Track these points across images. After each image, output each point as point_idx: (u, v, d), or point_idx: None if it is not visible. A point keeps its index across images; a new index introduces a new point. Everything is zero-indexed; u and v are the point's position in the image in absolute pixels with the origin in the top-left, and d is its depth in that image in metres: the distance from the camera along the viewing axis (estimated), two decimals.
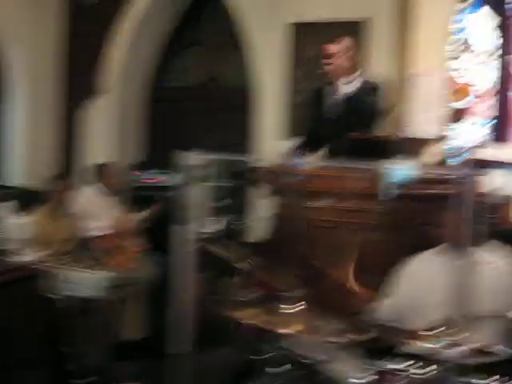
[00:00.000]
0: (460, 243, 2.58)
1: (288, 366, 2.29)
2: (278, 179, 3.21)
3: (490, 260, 2.71)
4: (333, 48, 3.98)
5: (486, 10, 10.26)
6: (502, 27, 10.29)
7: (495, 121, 10.41)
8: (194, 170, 2.68)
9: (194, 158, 2.64)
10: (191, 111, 6.39)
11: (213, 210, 5.07)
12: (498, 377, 1.95)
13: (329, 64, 3.93)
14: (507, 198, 7.45)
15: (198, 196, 2.74)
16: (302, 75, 5.35)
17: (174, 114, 6.46)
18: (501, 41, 10.32)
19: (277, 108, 5.47)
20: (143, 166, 5.99)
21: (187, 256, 2.51)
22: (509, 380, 1.95)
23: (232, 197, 4.91)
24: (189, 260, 2.51)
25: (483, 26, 10.43)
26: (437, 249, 2.73)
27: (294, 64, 5.45)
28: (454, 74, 10.69)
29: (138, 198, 5.45)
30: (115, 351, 3.71)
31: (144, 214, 5.04)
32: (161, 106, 6.59)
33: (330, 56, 3.94)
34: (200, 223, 3.46)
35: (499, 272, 2.64)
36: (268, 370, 2.28)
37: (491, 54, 10.38)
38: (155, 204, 5.08)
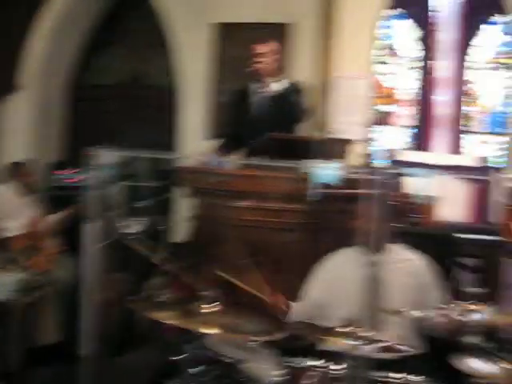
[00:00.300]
0: (376, 242, 2.66)
1: (208, 366, 2.28)
2: (199, 179, 3.19)
3: (406, 258, 2.79)
4: (263, 48, 4.07)
5: (410, 22, 10.68)
6: (425, 40, 10.72)
7: (418, 126, 10.84)
8: (112, 169, 2.62)
9: (112, 156, 2.58)
10: (114, 110, 6.28)
11: (133, 209, 5.00)
12: (406, 373, 2.01)
13: (259, 62, 4.01)
14: (430, 199, 7.75)
15: (116, 195, 2.67)
16: (227, 75, 5.36)
17: (96, 113, 6.32)
18: (423, 52, 10.77)
19: (201, 108, 5.46)
20: (63, 166, 5.82)
21: (98, 256, 2.45)
22: (418, 375, 2.02)
23: (154, 196, 4.85)
24: (100, 260, 2.45)
25: (407, 35, 10.83)
26: (352, 248, 2.77)
27: (219, 64, 5.46)
28: (379, 78, 11.05)
29: (55, 197, 5.29)
30: (29, 356, 3.58)
31: (60, 214, 4.89)
32: (83, 104, 6.44)
33: (259, 55, 4.00)
34: (119, 223, 3.39)
35: (413, 270, 2.72)
36: (188, 369, 2.25)
37: (415, 61, 10.81)
38: (72, 204, 4.94)
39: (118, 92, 6.38)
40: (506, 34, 10.80)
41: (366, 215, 2.46)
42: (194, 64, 5.51)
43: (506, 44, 10.81)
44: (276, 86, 3.99)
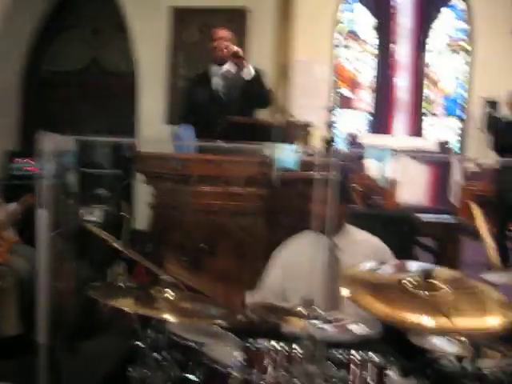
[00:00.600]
0: (333, 225, 2.68)
1: (170, 350, 2.28)
2: (158, 164, 3.16)
3: (363, 239, 2.82)
4: (224, 32, 4.08)
5: (366, 7, 10.74)
6: (385, 24, 10.81)
7: (379, 109, 10.96)
8: (70, 156, 2.58)
9: (69, 143, 2.54)
10: (72, 97, 6.18)
11: (93, 196, 4.94)
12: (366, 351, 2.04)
13: (222, 46, 3.99)
14: (391, 182, 7.85)
15: (74, 183, 2.64)
16: (184, 60, 5.33)
17: (55, 100, 6.21)
18: (384, 36, 10.85)
19: (160, 93, 5.41)
20: (18, 155, 5.69)
21: (53, 244, 2.42)
22: (378, 353, 2.05)
23: (114, 183, 4.81)
24: (56, 248, 2.42)
25: (369, 19, 10.91)
26: (310, 231, 2.78)
27: (177, 49, 5.41)
28: (341, 62, 11.13)
29: (13, 187, 5.18)
30: None
31: (19, 203, 4.78)
32: (41, 91, 6.32)
33: (221, 39, 4.02)
34: (78, 210, 3.35)
35: (372, 251, 2.75)
36: (151, 355, 2.25)
37: (376, 46, 10.90)
38: (28, 194, 4.84)
39: (75, 78, 6.28)
40: (460, 19, 10.99)
41: (322, 198, 2.48)
42: (151, 49, 5.46)
43: (461, 29, 11.00)
44: (239, 71, 3.98)
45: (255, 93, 3.93)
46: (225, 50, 3.97)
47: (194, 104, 4.08)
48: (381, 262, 2.65)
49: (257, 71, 4.00)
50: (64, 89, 6.24)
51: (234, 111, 3.62)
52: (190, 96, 4.19)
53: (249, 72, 3.93)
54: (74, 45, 6.39)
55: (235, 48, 3.97)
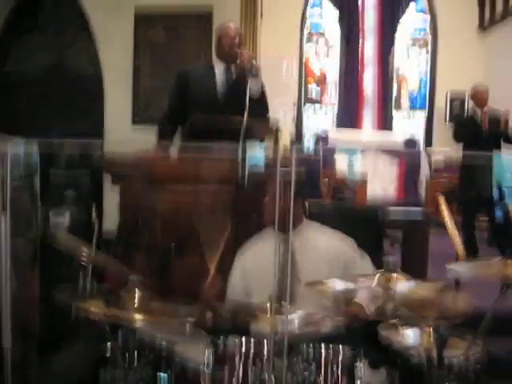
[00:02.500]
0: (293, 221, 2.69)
1: (141, 351, 2.28)
2: (125, 165, 3.15)
3: (326, 235, 2.83)
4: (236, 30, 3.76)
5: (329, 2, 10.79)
6: (352, 20, 10.89)
7: (347, 104, 11.04)
8: (33, 159, 2.55)
9: (33, 146, 2.52)
10: (36, 99, 6.10)
11: (61, 199, 4.89)
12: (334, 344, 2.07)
13: (246, 55, 3.57)
14: (360, 176, 7.93)
15: (37, 186, 2.61)
16: (150, 61, 5.31)
17: (16, 102, 6.12)
18: (351, 32, 10.92)
19: (125, 94, 5.38)
20: None
21: (15, 249, 2.39)
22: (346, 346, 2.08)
23: (79, 186, 4.76)
24: (19, 253, 2.39)
25: (332, 15, 10.99)
26: (269, 229, 2.78)
27: (142, 50, 5.39)
28: (309, 58, 11.18)
29: None
30: None
31: None
32: (2, 93, 6.22)
33: (241, 37, 3.74)
34: (45, 214, 3.31)
35: (335, 246, 2.77)
36: (123, 357, 2.25)
37: (343, 42, 10.98)
38: None
39: (39, 80, 6.20)
40: (425, 14, 11.14)
41: (281, 195, 2.50)
42: (116, 50, 5.44)
43: (427, 23, 11.15)
44: (234, 73, 3.72)
45: (255, 111, 3.50)
46: (246, 62, 3.50)
47: (192, 97, 3.71)
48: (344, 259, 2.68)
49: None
50: (28, 91, 6.16)
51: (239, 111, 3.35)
52: (189, 87, 3.74)
53: (257, 90, 3.57)
54: (38, 47, 6.31)
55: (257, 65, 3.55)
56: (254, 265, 2.67)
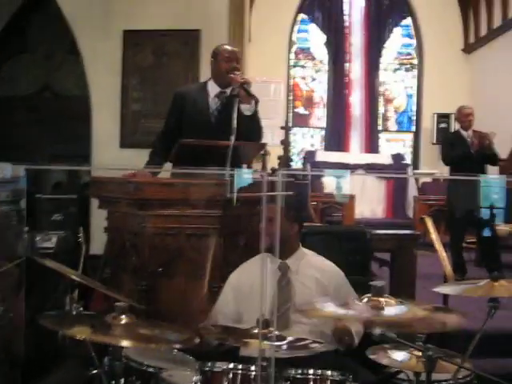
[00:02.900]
0: (285, 247, 2.70)
1: (128, 377, 2.25)
2: (112, 189, 3.14)
3: (316, 260, 2.83)
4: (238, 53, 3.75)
5: (318, 26, 10.92)
6: (339, 43, 11.02)
7: (334, 127, 11.12)
8: (20, 183, 2.54)
9: (19, 170, 2.50)
10: (23, 122, 6.09)
11: (49, 223, 4.86)
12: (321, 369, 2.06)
13: (238, 77, 3.53)
14: (348, 198, 7.94)
15: (23, 210, 2.59)
16: (138, 83, 5.32)
17: (5, 125, 6.11)
18: (338, 55, 11.03)
19: (114, 117, 5.38)
20: None
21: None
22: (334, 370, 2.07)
23: (67, 209, 4.73)
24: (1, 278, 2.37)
25: (322, 39, 11.12)
26: (261, 254, 2.78)
27: (130, 72, 5.39)
28: (296, 81, 11.29)
29: None
30: None
31: None
32: None
33: (239, 61, 3.69)
34: (31, 237, 3.29)
35: (327, 272, 2.77)
36: (111, 382, 2.22)
37: (330, 64, 11.09)
38: None
39: (28, 102, 6.20)
40: (410, 37, 11.29)
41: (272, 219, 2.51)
42: (104, 73, 5.43)
43: (412, 46, 11.30)
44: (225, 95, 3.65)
45: (249, 128, 3.52)
46: (240, 80, 3.48)
47: (186, 117, 3.68)
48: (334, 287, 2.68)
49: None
50: (16, 114, 6.15)
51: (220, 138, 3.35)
52: (185, 107, 3.70)
53: (250, 109, 3.52)
54: (26, 69, 6.32)
55: (249, 80, 3.54)
56: (248, 288, 2.64)
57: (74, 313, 2.37)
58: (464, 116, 5.80)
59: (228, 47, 3.77)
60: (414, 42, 11.20)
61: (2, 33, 6.16)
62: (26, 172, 2.61)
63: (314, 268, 2.76)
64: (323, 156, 10.32)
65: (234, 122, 3.33)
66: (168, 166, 3.60)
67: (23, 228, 2.97)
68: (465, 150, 5.63)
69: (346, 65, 11.10)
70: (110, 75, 5.40)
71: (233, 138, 3.25)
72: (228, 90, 3.65)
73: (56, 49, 6.12)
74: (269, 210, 2.59)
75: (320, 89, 11.37)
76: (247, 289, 2.65)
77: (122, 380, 2.23)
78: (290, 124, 10.63)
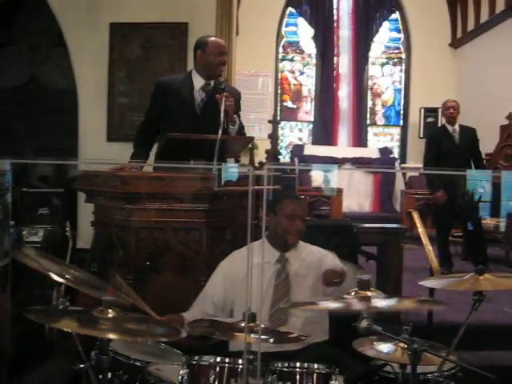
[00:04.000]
0: (296, 241, 2.72)
1: (116, 371, 2.25)
2: (99, 183, 3.12)
3: (311, 250, 2.84)
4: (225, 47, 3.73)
5: (308, 20, 10.90)
6: (327, 37, 11.01)
7: (322, 120, 11.12)
8: (4, 177, 2.52)
9: (3, 165, 2.49)
10: (8, 115, 6.04)
11: (35, 217, 4.84)
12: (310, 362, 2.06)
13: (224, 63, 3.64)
14: (336, 191, 7.95)
15: (8, 205, 2.57)
16: (126, 77, 5.29)
17: None
18: (326, 49, 11.02)
19: (100, 110, 5.35)
20: None
21: None
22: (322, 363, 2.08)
23: (54, 203, 4.70)
24: None
25: (310, 33, 11.11)
26: (255, 243, 2.79)
27: (117, 65, 5.36)
28: (285, 74, 11.29)
29: None
30: None
31: None
32: None
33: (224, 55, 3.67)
34: (18, 232, 3.27)
35: (318, 257, 2.78)
36: (96, 376, 2.21)
37: (318, 58, 11.09)
38: None
39: (14, 95, 6.15)
40: (398, 31, 11.32)
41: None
42: (92, 66, 5.40)
43: (400, 41, 11.33)
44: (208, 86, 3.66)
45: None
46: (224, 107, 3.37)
47: (170, 107, 3.65)
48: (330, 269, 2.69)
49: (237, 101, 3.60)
50: (2, 107, 6.10)
51: (204, 131, 3.38)
52: (167, 96, 3.67)
53: (233, 129, 3.53)
54: (12, 62, 6.26)
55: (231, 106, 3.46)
56: (241, 277, 2.63)
57: (61, 307, 2.36)
58: (446, 109, 5.83)
59: (218, 40, 3.74)
60: (401, 36, 11.22)
61: None
62: (11, 166, 2.59)
63: (312, 260, 2.77)
64: (311, 150, 10.33)
65: (222, 115, 3.32)
66: (153, 159, 3.61)
67: (9, 222, 2.95)
68: (450, 145, 5.66)
69: (335, 59, 11.11)
70: (97, 68, 5.37)
71: (220, 131, 3.24)
72: (212, 82, 3.65)
73: (42, 41, 6.07)
74: (293, 208, 2.65)
75: (308, 82, 11.37)
76: (240, 278, 2.62)
77: (109, 374, 2.22)
78: (278, 118, 10.62)
